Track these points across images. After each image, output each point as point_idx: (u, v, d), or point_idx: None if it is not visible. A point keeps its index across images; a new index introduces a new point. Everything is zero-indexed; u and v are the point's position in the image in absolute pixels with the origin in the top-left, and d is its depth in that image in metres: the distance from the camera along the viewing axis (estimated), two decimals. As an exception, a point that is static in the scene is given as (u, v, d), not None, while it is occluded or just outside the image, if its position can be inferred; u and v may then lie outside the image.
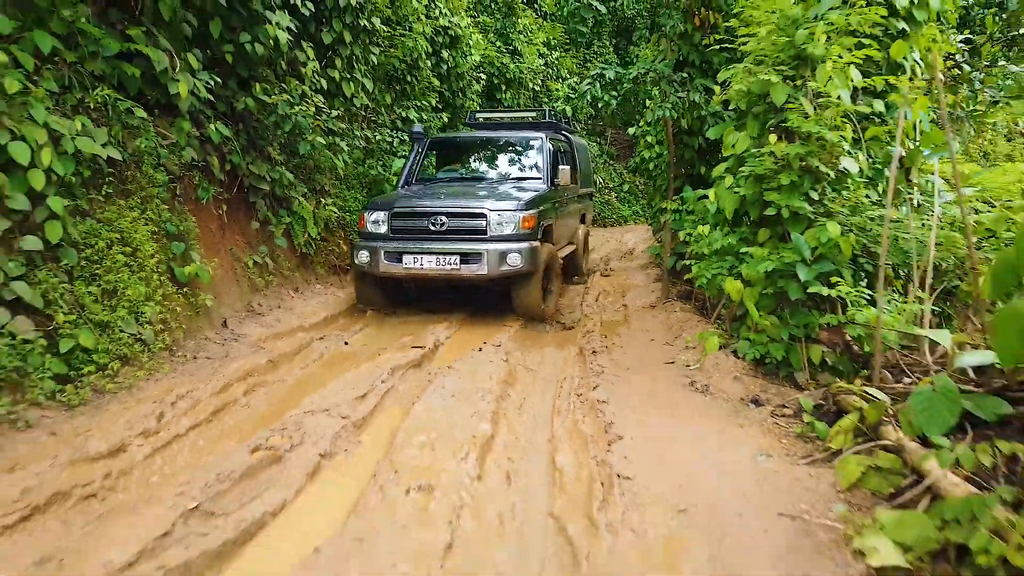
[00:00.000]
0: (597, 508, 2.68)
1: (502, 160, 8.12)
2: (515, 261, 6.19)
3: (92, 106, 4.16)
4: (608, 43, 21.03)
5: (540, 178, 7.64)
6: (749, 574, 2.22)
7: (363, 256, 6.42)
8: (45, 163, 3.63)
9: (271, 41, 5.82)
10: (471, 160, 8.24)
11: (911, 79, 4.86)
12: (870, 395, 3.18)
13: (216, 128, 5.29)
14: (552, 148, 8.14)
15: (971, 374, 3.07)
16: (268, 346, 5.11)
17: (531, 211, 6.45)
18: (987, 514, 2.03)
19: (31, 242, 3.62)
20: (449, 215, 6.34)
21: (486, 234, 6.26)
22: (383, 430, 3.66)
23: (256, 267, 6.18)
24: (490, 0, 15.38)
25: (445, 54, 11.60)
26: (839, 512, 2.54)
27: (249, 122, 6.16)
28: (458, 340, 5.84)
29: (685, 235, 5.75)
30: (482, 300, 7.29)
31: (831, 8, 4.44)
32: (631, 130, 10.16)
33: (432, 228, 6.32)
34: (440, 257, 6.21)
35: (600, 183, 18.65)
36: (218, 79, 5.34)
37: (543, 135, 8.11)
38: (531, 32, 16.49)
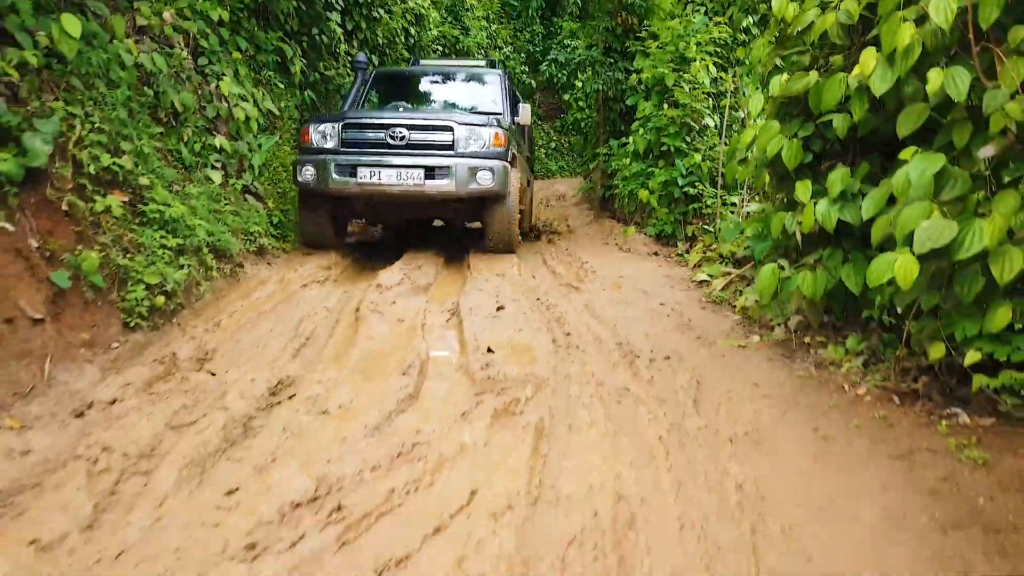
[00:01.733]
0: (579, 279, 5.92)
1: (456, 95, 7.76)
2: (486, 179, 5.92)
3: (263, 81, 7.03)
4: (535, 16, 24.08)
5: (500, 114, 7.17)
6: (649, 287, 5.52)
7: (308, 172, 5.90)
8: (254, 116, 6.51)
9: (332, 33, 8.67)
10: (421, 96, 7.81)
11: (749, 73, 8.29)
12: (711, 239, 6.58)
13: (308, 95, 8.16)
14: (510, 85, 7.92)
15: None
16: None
17: (502, 128, 6.22)
18: (732, 230, 5.42)
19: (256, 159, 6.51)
20: (411, 127, 5.97)
21: (453, 149, 5.96)
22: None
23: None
24: (440, -21, 18.14)
25: (412, 30, 14.42)
26: (689, 275, 5.90)
27: (318, 89, 9.02)
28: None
29: (612, 170, 9.04)
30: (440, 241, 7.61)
31: (698, 30, 7.77)
32: (566, 96, 13.37)
33: (391, 141, 5.92)
34: (401, 171, 5.82)
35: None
36: (304, 60, 8.19)
37: (499, 71, 7.91)
38: (475, 8, 19.37)
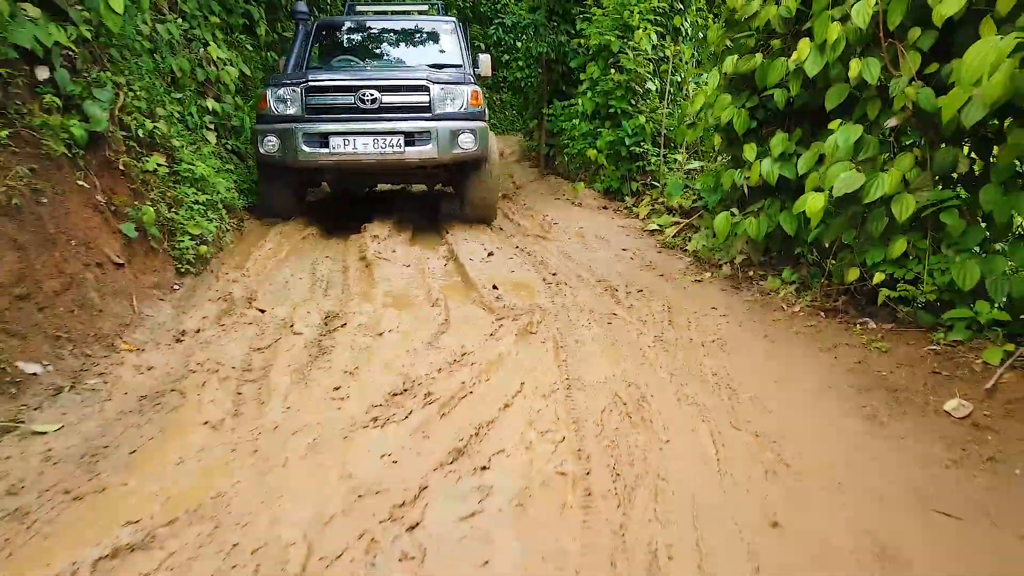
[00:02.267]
0: (544, 231, 6.66)
1: (410, 48, 7.31)
2: (468, 143, 5.72)
3: (234, 44, 7.37)
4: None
5: (460, 66, 6.83)
6: (608, 236, 6.32)
7: (272, 142, 5.49)
8: (235, 80, 6.89)
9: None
10: (369, 48, 7.29)
11: (687, 38, 9.12)
12: (657, 194, 7.43)
13: (271, 56, 8.50)
14: (467, 34, 7.57)
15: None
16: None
17: (477, 86, 6.03)
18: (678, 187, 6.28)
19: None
20: (382, 89, 5.61)
21: (430, 111, 5.67)
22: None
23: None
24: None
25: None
26: (640, 225, 6.73)
27: (277, 50, 9.31)
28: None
29: (559, 129, 9.76)
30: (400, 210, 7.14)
31: (640, 1, 8.50)
32: (505, 56, 13.93)
33: (362, 105, 5.57)
34: (379, 138, 5.50)
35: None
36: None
37: (455, 20, 7.54)
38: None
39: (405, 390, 2.86)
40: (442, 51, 7.20)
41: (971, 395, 2.63)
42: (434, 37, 7.37)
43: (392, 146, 5.57)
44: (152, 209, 3.98)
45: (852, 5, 3.35)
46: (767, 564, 1.82)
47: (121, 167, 3.97)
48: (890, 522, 1.98)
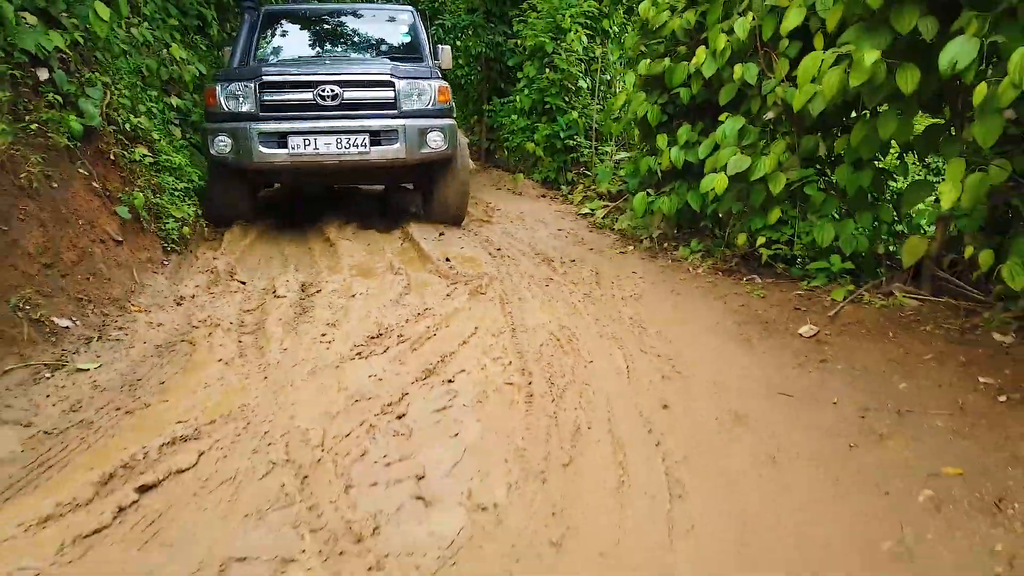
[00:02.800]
0: (488, 215, 7.36)
1: (366, 39, 6.94)
2: (437, 142, 5.51)
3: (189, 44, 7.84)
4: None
5: (418, 58, 6.55)
6: (546, 219, 7.08)
7: (223, 143, 5.20)
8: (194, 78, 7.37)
9: None
10: (322, 39, 6.87)
11: (613, 38, 9.96)
12: (589, 182, 8.23)
13: (221, 54, 8.96)
14: (425, 24, 7.26)
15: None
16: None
17: (444, 81, 5.80)
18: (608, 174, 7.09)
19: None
20: (344, 84, 5.33)
21: (396, 108, 5.43)
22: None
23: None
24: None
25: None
26: (575, 210, 7.51)
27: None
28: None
29: (499, 124, 10.48)
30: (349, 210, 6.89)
31: (572, 3, 9.28)
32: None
33: (322, 102, 5.30)
34: (342, 137, 5.25)
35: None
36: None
37: (412, 9, 7.16)
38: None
39: (380, 334, 3.54)
40: (401, 42, 6.87)
41: (819, 322, 3.47)
42: (392, 27, 7.01)
43: (356, 146, 5.30)
44: (141, 194, 4.53)
45: (736, 21, 4.17)
46: (657, 428, 2.58)
47: (112, 157, 4.50)
48: (745, 402, 2.77)
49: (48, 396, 2.84)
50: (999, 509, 1.96)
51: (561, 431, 2.58)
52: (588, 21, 9.36)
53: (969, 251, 3.08)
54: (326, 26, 7.03)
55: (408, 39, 6.88)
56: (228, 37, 9.49)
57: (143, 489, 2.21)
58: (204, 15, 8.09)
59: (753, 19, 4.10)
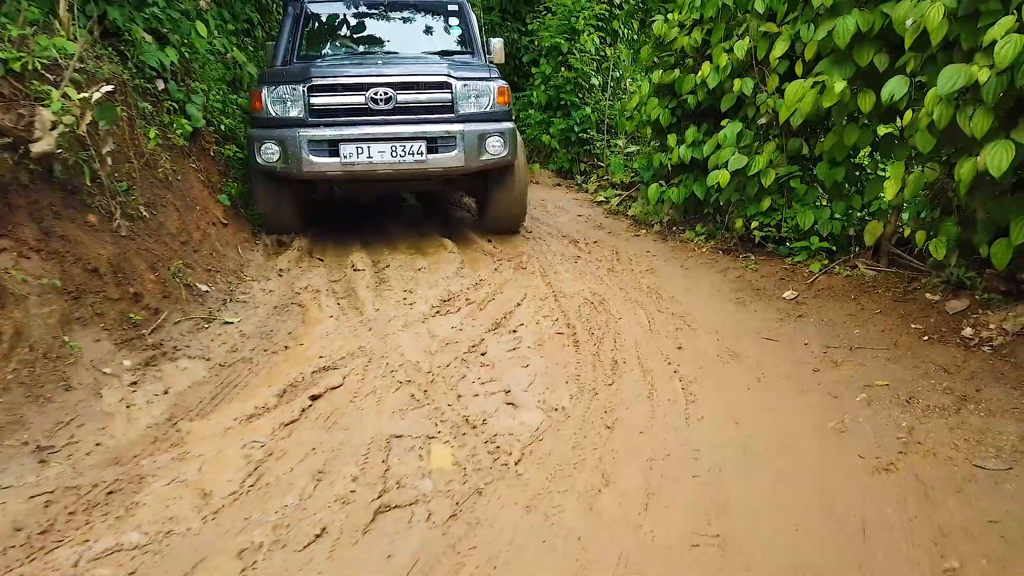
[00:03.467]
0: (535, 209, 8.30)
1: (412, 32, 6.62)
2: (497, 147, 5.31)
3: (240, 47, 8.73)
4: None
5: (470, 52, 6.35)
6: (565, 206, 8.01)
7: (271, 151, 5.07)
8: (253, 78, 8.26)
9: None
10: (368, 34, 6.64)
11: (622, 37, 10.86)
12: (602, 172, 9.17)
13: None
14: (478, 16, 6.80)
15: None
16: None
17: (503, 83, 5.53)
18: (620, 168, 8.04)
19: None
20: (397, 86, 5.15)
21: (454, 111, 5.24)
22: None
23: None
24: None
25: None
26: (590, 198, 8.44)
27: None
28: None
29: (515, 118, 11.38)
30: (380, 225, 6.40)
31: (584, 7, 10.18)
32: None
33: (374, 105, 5.13)
34: (397, 145, 5.08)
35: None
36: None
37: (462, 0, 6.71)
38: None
39: (450, 299, 4.49)
40: (451, 36, 6.56)
41: (799, 288, 4.44)
42: (441, 20, 6.68)
43: (412, 154, 5.11)
44: (236, 185, 5.47)
45: (735, 43, 5.10)
46: (674, 361, 3.54)
47: (212, 154, 5.44)
48: (739, 344, 3.73)
49: (212, 340, 3.80)
50: (908, 403, 2.93)
51: (603, 364, 3.54)
52: (599, 23, 10.26)
53: (907, 231, 4.04)
54: (371, 20, 6.76)
55: (459, 32, 6.57)
56: (268, 35, 10.38)
57: (313, 398, 3.17)
58: (251, 18, 8.99)
59: (750, 42, 5.03)
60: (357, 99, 5.15)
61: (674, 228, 6.38)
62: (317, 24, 6.57)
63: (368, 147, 5.08)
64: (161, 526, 2.26)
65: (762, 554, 2.11)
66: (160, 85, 5.10)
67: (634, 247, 5.97)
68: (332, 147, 5.06)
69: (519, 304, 4.42)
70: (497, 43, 6.42)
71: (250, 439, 2.82)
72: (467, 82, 5.31)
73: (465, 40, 6.52)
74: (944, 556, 2.06)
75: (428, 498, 2.42)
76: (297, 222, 5.71)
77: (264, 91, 5.16)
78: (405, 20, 6.73)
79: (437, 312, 4.26)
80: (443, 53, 6.21)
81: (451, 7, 6.70)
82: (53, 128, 3.41)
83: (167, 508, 2.35)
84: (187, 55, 5.42)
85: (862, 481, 2.45)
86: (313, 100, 5.12)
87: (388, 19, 6.74)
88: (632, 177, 8.11)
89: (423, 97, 5.26)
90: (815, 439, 2.76)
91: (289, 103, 5.14)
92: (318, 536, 2.21)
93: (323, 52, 6.35)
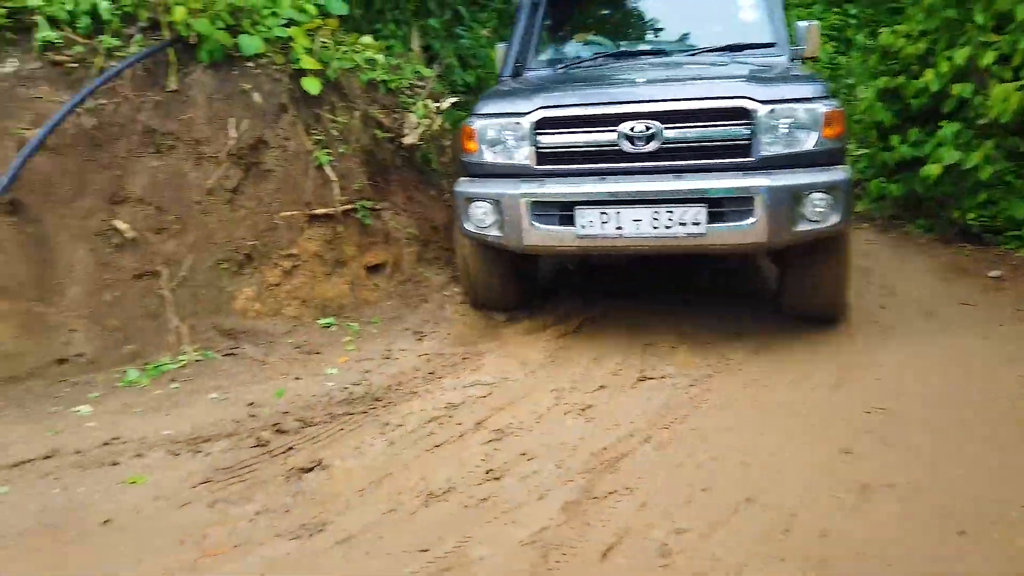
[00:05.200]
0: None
1: (687, 18, 4.90)
2: (821, 210, 3.44)
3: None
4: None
5: (773, 44, 4.43)
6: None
7: (483, 214, 3.81)
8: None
9: None
10: (631, 22, 5.15)
11: (856, 46, 11.35)
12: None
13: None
14: None
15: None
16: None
17: (836, 105, 3.56)
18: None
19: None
20: (664, 117, 3.52)
21: (751, 153, 3.46)
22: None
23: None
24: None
25: None
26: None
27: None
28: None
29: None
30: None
31: (819, 19, 10.83)
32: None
33: (630, 146, 3.57)
34: (661, 210, 3.48)
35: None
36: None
37: None
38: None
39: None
40: (741, 21, 4.81)
41: (1005, 270, 5.11)
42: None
43: (684, 224, 3.49)
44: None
45: (957, 51, 5.78)
46: (877, 318, 4.44)
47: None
48: (936, 307, 4.56)
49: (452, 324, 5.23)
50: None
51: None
52: (834, 32, 10.88)
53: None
54: (633, 4, 5.15)
55: (754, 15, 4.71)
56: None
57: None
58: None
59: (971, 49, 5.69)
60: (605, 136, 3.63)
61: (895, 222, 7.04)
62: (560, 16, 5.16)
63: (617, 212, 3.55)
64: (500, 375, 3.71)
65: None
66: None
67: (856, 238, 6.73)
68: (564, 211, 3.64)
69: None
70: (811, 28, 4.58)
71: (554, 345, 4.22)
72: (776, 105, 3.45)
73: (762, 27, 4.55)
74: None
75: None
76: (517, 297, 4.49)
77: (478, 124, 3.84)
78: (679, 5, 5.04)
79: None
80: (731, 49, 4.44)
81: None
82: (417, 127, 5.12)
83: (501, 367, 3.81)
84: (482, 75, 7.11)
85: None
86: (543, 139, 3.70)
87: (656, 4, 5.07)
88: (856, 176, 8.74)
89: (706, 132, 3.55)
90: (994, 370, 3.57)
91: (510, 142, 3.75)
92: (600, 388, 3.51)
93: (566, 58, 4.86)
